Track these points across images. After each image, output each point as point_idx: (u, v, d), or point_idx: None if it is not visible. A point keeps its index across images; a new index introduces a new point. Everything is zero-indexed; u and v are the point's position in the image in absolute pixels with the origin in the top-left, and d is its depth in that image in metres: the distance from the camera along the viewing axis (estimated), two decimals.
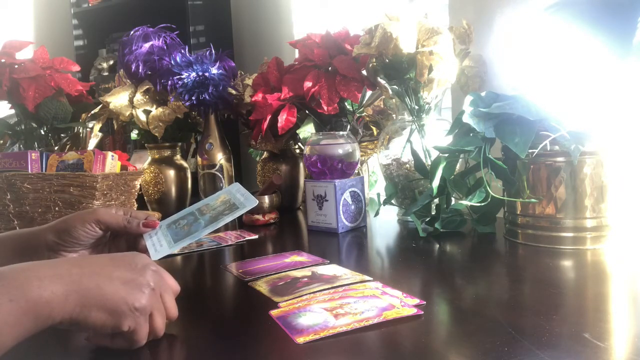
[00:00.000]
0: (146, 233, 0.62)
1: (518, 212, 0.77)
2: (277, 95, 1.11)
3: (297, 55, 1.24)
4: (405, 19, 0.90)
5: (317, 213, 0.95)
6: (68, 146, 1.34)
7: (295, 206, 1.30)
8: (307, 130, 1.13)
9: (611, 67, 0.71)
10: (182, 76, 1.19)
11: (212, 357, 0.43)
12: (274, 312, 0.50)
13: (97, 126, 1.33)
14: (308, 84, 1.07)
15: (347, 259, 0.77)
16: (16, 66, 1.21)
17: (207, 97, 1.18)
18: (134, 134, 1.42)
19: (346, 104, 1.17)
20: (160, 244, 0.61)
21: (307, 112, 1.15)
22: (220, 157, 1.24)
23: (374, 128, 1.30)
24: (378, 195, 0.99)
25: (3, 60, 1.21)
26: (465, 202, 0.81)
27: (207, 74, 1.19)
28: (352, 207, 0.95)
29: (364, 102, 1.20)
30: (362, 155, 1.24)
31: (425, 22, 0.90)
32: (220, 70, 1.22)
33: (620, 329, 0.43)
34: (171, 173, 1.32)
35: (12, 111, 1.30)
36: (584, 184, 0.70)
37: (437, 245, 0.79)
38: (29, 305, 0.36)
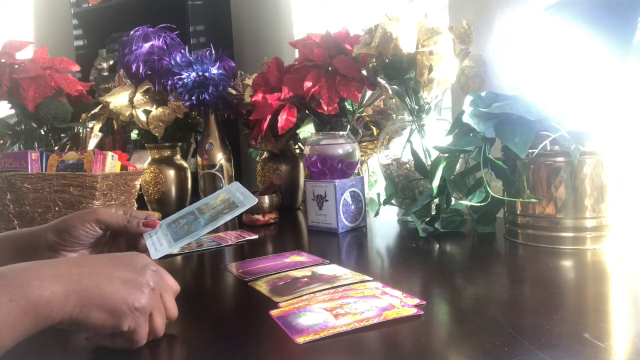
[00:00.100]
0: (146, 232, 0.62)
1: (518, 212, 0.77)
2: (277, 95, 1.11)
3: (297, 55, 1.24)
4: (405, 19, 0.90)
5: (317, 213, 0.95)
6: (68, 146, 1.34)
7: (295, 206, 1.30)
8: (307, 130, 1.13)
9: (611, 67, 0.71)
10: (182, 76, 1.19)
11: (212, 357, 0.43)
12: (274, 312, 0.50)
13: (97, 126, 1.33)
14: (308, 84, 1.07)
15: (347, 259, 0.77)
16: (16, 66, 1.21)
17: (207, 97, 1.18)
18: (134, 134, 1.42)
19: (346, 104, 1.17)
20: (160, 243, 0.61)
21: (307, 112, 1.15)
22: (220, 157, 1.24)
23: (374, 128, 1.30)
24: (378, 195, 0.99)
25: (3, 60, 1.21)
26: (465, 202, 0.81)
27: (207, 74, 1.19)
28: (352, 207, 0.95)
29: (364, 102, 1.20)
30: (362, 155, 1.24)
31: (425, 22, 0.90)
32: (220, 70, 1.22)
33: (620, 329, 0.43)
34: (171, 173, 1.32)
35: (12, 111, 1.30)
36: (584, 184, 0.70)
37: (437, 245, 0.79)
38: (29, 305, 0.36)
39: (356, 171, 1.03)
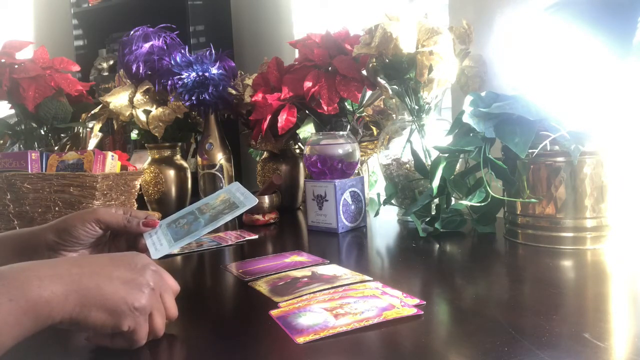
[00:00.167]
0: (146, 232, 0.62)
1: (518, 212, 0.77)
2: (277, 95, 1.11)
3: (297, 55, 1.24)
4: (405, 19, 0.90)
5: (317, 213, 0.95)
6: (68, 146, 1.34)
7: (295, 206, 1.30)
8: (307, 130, 1.13)
9: (611, 67, 0.71)
10: (182, 76, 1.19)
11: (212, 357, 0.43)
12: (274, 312, 0.50)
13: (97, 126, 1.33)
14: (308, 84, 1.07)
15: (347, 259, 0.77)
16: (16, 66, 1.21)
17: (207, 97, 1.18)
18: (134, 134, 1.42)
19: (346, 104, 1.17)
20: (160, 243, 0.61)
21: (307, 112, 1.15)
22: (220, 157, 1.24)
23: (374, 128, 1.30)
24: (378, 195, 0.99)
25: (3, 60, 1.21)
26: (465, 202, 0.81)
27: (207, 74, 1.19)
28: (352, 207, 0.95)
29: (364, 102, 1.20)
30: (362, 155, 1.24)
31: (425, 22, 0.90)
32: (220, 70, 1.22)
33: (620, 329, 0.43)
34: (171, 173, 1.32)
35: (12, 111, 1.30)
36: (584, 184, 0.70)
37: (437, 245, 0.79)
38: (29, 305, 0.36)
39: (356, 171, 1.03)
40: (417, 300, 0.51)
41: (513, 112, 0.72)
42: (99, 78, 2.05)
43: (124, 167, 1.09)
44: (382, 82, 1.01)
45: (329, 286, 0.58)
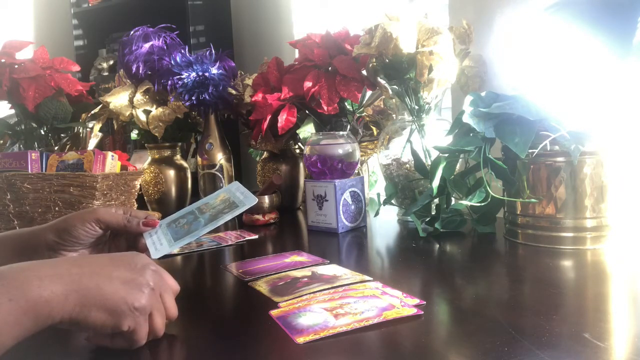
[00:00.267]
0: (146, 232, 0.62)
1: (518, 212, 0.77)
2: (277, 95, 1.11)
3: (297, 55, 1.24)
4: (405, 19, 0.90)
5: (317, 213, 0.95)
6: (68, 146, 1.34)
7: (295, 206, 1.30)
8: (307, 130, 1.13)
9: (611, 67, 0.71)
10: (182, 76, 1.19)
11: (212, 357, 0.43)
12: (274, 312, 0.50)
13: (97, 126, 1.33)
14: (308, 84, 1.07)
15: (347, 259, 0.76)
16: (16, 66, 1.21)
17: (207, 97, 1.18)
18: (134, 134, 1.42)
19: (346, 104, 1.17)
20: (160, 242, 0.61)
21: (307, 112, 1.15)
22: (220, 157, 1.24)
23: (374, 128, 1.30)
24: (378, 195, 0.99)
25: (3, 60, 1.21)
26: (465, 202, 0.81)
27: (207, 74, 1.19)
28: (352, 207, 0.95)
29: (364, 102, 1.20)
30: (362, 155, 1.24)
31: (425, 22, 0.90)
32: (220, 70, 1.22)
33: (620, 329, 0.43)
34: (171, 173, 1.32)
35: (12, 111, 1.30)
36: (584, 184, 0.70)
37: (437, 245, 0.79)
38: (29, 304, 0.36)
39: (356, 171, 1.03)
40: (417, 300, 0.51)
41: (513, 112, 0.72)
42: (99, 78, 2.05)
43: (124, 167, 1.09)
44: (382, 82, 1.01)
45: (329, 286, 0.58)
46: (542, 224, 0.74)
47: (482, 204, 0.79)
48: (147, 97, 1.28)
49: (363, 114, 1.26)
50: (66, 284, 0.39)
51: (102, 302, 0.40)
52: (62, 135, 1.36)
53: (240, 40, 1.99)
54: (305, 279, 0.61)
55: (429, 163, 0.93)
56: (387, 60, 0.96)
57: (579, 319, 0.46)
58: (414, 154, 0.91)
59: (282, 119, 1.08)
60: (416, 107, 0.98)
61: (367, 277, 0.60)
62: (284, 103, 1.10)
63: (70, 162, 1.02)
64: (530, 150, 0.72)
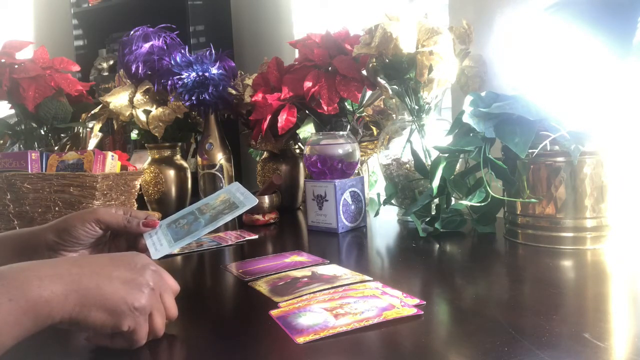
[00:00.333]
0: (146, 232, 0.62)
1: (518, 212, 0.77)
2: (277, 95, 1.11)
3: (297, 55, 1.24)
4: (405, 19, 0.90)
5: (317, 213, 0.95)
6: (68, 146, 1.34)
7: (295, 206, 1.30)
8: (307, 130, 1.13)
9: (611, 67, 0.71)
10: (182, 76, 1.19)
11: (212, 357, 0.43)
12: (274, 312, 0.50)
13: (97, 126, 1.33)
14: (308, 84, 1.07)
15: (347, 259, 0.76)
16: (16, 66, 1.21)
17: (207, 97, 1.18)
18: (134, 134, 1.42)
19: (346, 104, 1.17)
20: (160, 243, 0.61)
21: (307, 112, 1.15)
22: (220, 157, 1.24)
23: (374, 128, 1.30)
24: (378, 195, 0.99)
25: (3, 60, 1.21)
26: (465, 202, 0.81)
27: (207, 74, 1.19)
28: (352, 207, 0.95)
29: (364, 102, 1.20)
30: (362, 155, 1.24)
31: (425, 22, 0.90)
32: (220, 70, 1.22)
33: (620, 329, 0.43)
34: (171, 173, 1.32)
35: (12, 111, 1.30)
36: (584, 184, 0.70)
37: (437, 245, 0.79)
38: (29, 304, 0.36)
39: (356, 171, 1.03)
40: (417, 300, 0.51)
41: (513, 112, 0.72)
42: (99, 78, 2.05)
43: (124, 167, 1.09)
44: (382, 82, 1.01)
45: (329, 286, 0.58)
46: (542, 224, 0.74)
47: (482, 204, 0.79)
48: (147, 97, 1.28)
49: (363, 114, 1.26)
50: (66, 284, 0.39)
51: (102, 302, 0.40)
52: (62, 135, 1.36)
53: (240, 40, 1.99)
54: (305, 279, 0.61)
55: (429, 163, 0.93)
56: (387, 60, 0.96)
57: (579, 319, 0.46)
58: (414, 154, 0.91)
59: (282, 119, 1.08)
60: (416, 107, 0.98)
61: (367, 277, 0.60)
62: (284, 103, 1.10)
63: (70, 162, 1.02)
64: (530, 150, 0.72)
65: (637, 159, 0.71)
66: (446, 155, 0.81)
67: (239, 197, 0.66)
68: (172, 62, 1.23)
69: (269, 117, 1.10)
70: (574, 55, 0.75)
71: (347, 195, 0.94)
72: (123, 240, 0.63)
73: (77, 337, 0.47)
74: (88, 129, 1.37)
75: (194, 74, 1.18)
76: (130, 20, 1.80)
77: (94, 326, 0.40)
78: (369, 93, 1.18)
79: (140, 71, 1.28)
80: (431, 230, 0.86)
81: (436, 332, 0.45)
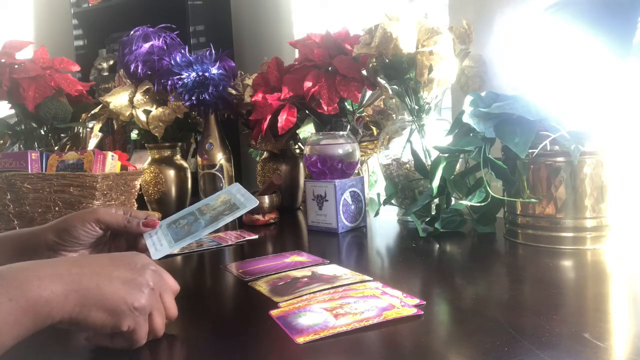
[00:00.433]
0: (146, 232, 0.62)
1: (518, 212, 0.77)
2: (277, 95, 1.11)
3: (297, 55, 1.24)
4: (405, 19, 0.90)
5: (317, 213, 0.95)
6: (68, 146, 1.34)
7: (295, 206, 1.30)
8: (307, 130, 1.13)
9: (611, 67, 0.71)
10: (182, 76, 1.19)
11: (212, 357, 0.43)
12: (274, 312, 0.50)
13: (97, 126, 1.33)
14: (308, 84, 1.07)
15: (347, 259, 0.76)
16: (16, 66, 1.21)
17: (207, 97, 1.18)
18: (134, 134, 1.42)
19: (346, 104, 1.17)
20: (160, 243, 0.61)
21: (307, 112, 1.15)
22: (220, 157, 1.24)
23: (374, 128, 1.30)
24: (378, 195, 0.99)
25: (3, 60, 1.21)
26: (465, 202, 0.81)
27: (207, 74, 1.19)
28: (352, 207, 0.95)
29: (364, 102, 1.20)
30: (362, 155, 1.24)
31: (425, 22, 0.90)
32: (220, 70, 1.22)
33: (620, 329, 0.43)
34: (171, 173, 1.32)
35: (12, 111, 1.30)
36: (584, 184, 0.70)
37: (437, 245, 0.79)
38: (29, 304, 0.36)
39: (356, 171, 1.03)
40: (417, 300, 0.51)
41: (513, 112, 0.72)
42: (99, 78, 2.05)
43: (124, 167, 1.09)
44: (382, 82, 1.01)
45: (329, 286, 0.58)
46: (542, 224, 0.74)
47: (482, 204, 0.79)
48: (147, 97, 1.28)
49: (363, 114, 1.26)
50: (66, 284, 0.39)
51: (102, 302, 0.40)
52: (62, 135, 1.36)
53: (240, 40, 1.99)
54: (305, 279, 0.61)
55: (429, 163, 0.93)
56: (387, 60, 0.96)
57: (579, 319, 0.46)
58: (414, 154, 0.91)
59: (282, 119, 1.08)
60: (416, 107, 0.98)
61: (367, 277, 0.60)
62: (284, 103, 1.10)
63: (70, 162, 1.02)
64: (530, 150, 0.72)
65: (637, 159, 0.71)
66: (446, 155, 0.81)
67: (240, 198, 0.67)
68: (172, 62, 1.23)
69: (269, 117, 1.10)
70: (574, 55, 0.75)
71: (347, 195, 0.94)
72: (123, 240, 0.63)
73: (77, 337, 0.47)
74: (88, 129, 1.37)
75: (194, 74, 1.18)
76: (130, 20, 1.80)
77: (93, 326, 0.40)
78: (369, 93, 1.18)
79: (140, 71, 1.28)
80: (431, 230, 0.86)
81: (436, 332, 0.45)
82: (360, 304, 0.51)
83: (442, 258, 0.73)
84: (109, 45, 2.17)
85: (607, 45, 0.72)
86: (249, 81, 1.31)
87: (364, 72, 1.07)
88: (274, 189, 1.11)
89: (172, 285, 0.48)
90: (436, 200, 0.87)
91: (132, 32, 1.31)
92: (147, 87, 1.28)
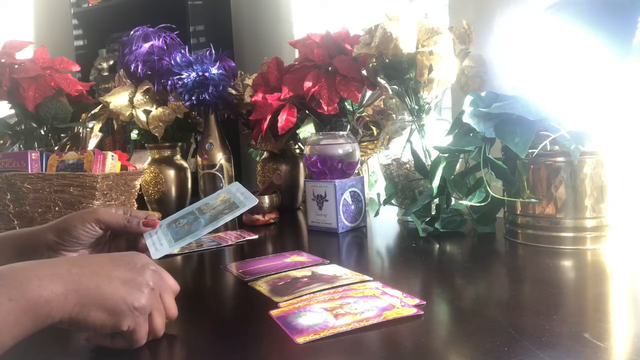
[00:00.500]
0: (146, 232, 0.62)
1: (518, 212, 0.77)
2: (277, 95, 1.11)
3: (297, 55, 1.24)
4: (405, 19, 0.90)
5: (317, 213, 0.95)
6: (68, 146, 1.34)
7: (295, 206, 1.30)
8: (307, 130, 1.13)
9: (611, 67, 0.71)
10: (182, 76, 1.19)
11: (212, 357, 0.43)
12: (274, 312, 0.50)
13: (97, 126, 1.33)
14: (308, 84, 1.07)
15: (347, 259, 0.76)
16: (16, 66, 1.21)
17: (207, 97, 1.18)
18: (134, 134, 1.42)
19: (346, 104, 1.17)
20: (160, 243, 0.61)
21: (307, 112, 1.15)
22: (220, 157, 1.24)
23: (374, 128, 1.30)
24: (378, 195, 0.99)
25: (3, 60, 1.21)
26: (465, 202, 0.81)
27: (207, 74, 1.19)
28: (352, 207, 0.95)
29: (364, 102, 1.20)
30: (362, 155, 1.24)
31: (425, 22, 0.90)
32: (220, 70, 1.22)
33: (620, 329, 0.43)
34: (171, 173, 1.32)
35: (12, 111, 1.30)
36: (584, 184, 0.70)
37: (437, 245, 0.79)
38: (29, 304, 0.36)
39: (356, 171, 1.03)
40: (417, 300, 0.51)
41: (513, 112, 0.72)
42: (99, 78, 2.05)
43: (124, 167, 1.09)
44: (382, 82, 1.01)
45: (329, 286, 0.58)
46: (542, 224, 0.74)
47: (482, 204, 0.79)
48: (147, 97, 1.28)
49: (363, 114, 1.26)
50: (66, 284, 0.39)
51: (102, 302, 0.40)
52: (62, 135, 1.36)
53: (240, 40, 1.99)
54: (305, 279, 0.61)
55: (429, 163, 0.93)
56: (387, 60, 0.96)
57: (579, 319, 0.46)
58: (414, 154, 0.91)
59: (282, 119, 1.08)
60: (416, 107, 0.98)
61: (367, 277, 0.60)
62: (284, 103, 1.10)
63: (70, 162, 1.02)
64: (530, 150, 0.72)
65: (637, 159, 0.71)
66: (446, 155, 0.81)
67: (239, 197, 0.66)
68: (172, 62, 1.23)
69: (269, 117, 1.10)
70: (574, 55, 0.75)
71: (347, 195, 0.94)
72: (123, 240, 0.63)
73: (77, 337, 0.47)
74: (88, 129, 1.37)
75: (194, 74, 1.18)
76: (130, 20, 1.80)
77: (93, 326, 0.40)
78: (369, 93, 1.18)
79: (140, 71, 1.28)
80: (431, 230, 0.86)
81: (436, 332, 0.45)
82: (360, 304, 0.51)
83: (442, 258, 0.73)
84: (109, 45, 2.17)
85: (607, 45, 0.72)
86: (249, 81, 1.31)
87: (364, 72, 1.07)
88: (274, 189, 1.11)
89: (172, 285, 0.48)
90: (436, 200, 0.87)
91: (132, 32, 1.31)
92: (147, 87, 1.28)
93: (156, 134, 1.26)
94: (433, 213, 0.89)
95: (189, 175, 1.37)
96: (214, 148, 1.24)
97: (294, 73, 1.11)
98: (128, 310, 0.41)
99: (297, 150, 1.32)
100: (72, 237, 0.56)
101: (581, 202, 0.71)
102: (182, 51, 1.29)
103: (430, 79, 0.91)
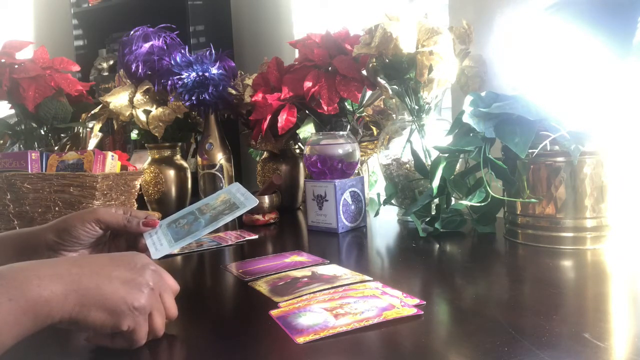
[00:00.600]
0: (146, 232, 0.62)
1: (518, 212, 0.77)
2: (277, 95, 1.11)
3: (297, 55, 1.24)
4: (405, 19, 0.90)
5: (317, 213, 0.95)
6: (68, 146, 1.34)
7: (295, 206, 1.30)
8: (307, 130, 1.13)
9: (611, 67, 0.71)
10: (182, 76, 1.19)
11: (212, 357, 0.43)
12: (274, 312, 0.50)
13: (97, 126, 1.33)
14: (308, 84, 1.07)
15: (347, 259, 0.76)
16: (16, 66, 1.21)
17: (207, 97, 1.18)
18: (134, 134, 1.42)
19: (346, 104, 1.17)
20: (160, 243, 0.61)
21: (307, 112, 1.15)
22: (220, 157, 1.24)
23: (374, 128, 1.30)
24: (378, 195, 0.99)
25: (3, 60, 1.21)
26: (465, 202, 0.81)
27: (207, 74, 1.19)
28: (352, 207, 0.95)
29: (364, 102, 1.20)
30: (362, 155, 1.24)
31: (425, 22, 0.90)
32: (220, 70, 1.22)
33: (620, 329, 0.43)
34: (171, 173, 1.32)
35: (12, 111, 1.30)
36: (584, 184, 0.70)
37: (437, 245, 0.79)
38: (29, 304, 0.36)
39: (356, 171, 1.03)
40: (417, 300, 0.51)
41: (513, 112, 0.72)
42: (99, 78, 2.05)
43: (124, 167, 1.09)
44: (382, 82, 1.01)
45: (329, 286, 0.58)
46: (542, 224, 0.74)
47: (482, 204, 0.79)
48: (147, 97, 1.28)
49: (363, 114, 1.26)
50: (66, 284, 0.39)
51: (102, 302, 0.40)
52: (62, 135, 1.36)
53: (240, 40, 1.99)
54: (305, 279, 0.61)
55: (429, 163, 0.93)
56: (387, 60, 0.96)
57: (579, 319, 0.46)
58: (414, 154, 0.91)
59: (282, 119, 1.08)
60: (416, 107, 0.98)
61: (367, 277, 0.60)
62: (284, 103, 1.10)
63: (70, 162, 1.02)
64: (530, 150, 0.72)
65: (637, 159, 0.71)
66: (446, 155, 0.81)
67: (240, 198, 0.66)
68: (172, 62, 1.23)
69: (269, 117, 1.10)
70: (574, 55, 0.75)
71: (347, 195, 0.94)
72: (123, 240, 0.63)
73: (77, 337, 0.47)
74: (88, 129, 1.37)
75: (194, 74, 1.18)
76: (130, 20, 1.80)
77: (93, 326, 0.40)
78: (369, 93, 1.18)
79: (140, 71, 1.28)
80: (431, 230, 0.86)
81: (436, 332, 0.45)
82: (360, 304, 0.51)
83: (442, 258, 0.73)
84: (109, 45, 2.17)
85: (607, 45, 0.72)
86: (249, 81, 1.31)
87: (364, 72, 1.07)
88: (274, 189, 1.11)
89: (172, 285, 0.48)
90: (436, 200, 0.87)
91: (132, 32, 1.31)
92: (147, 87, 1.28)
93: (156, 134, 1.26)
94: (433, 213, 0.89)
95: (189, 175, 1.37)
96: (214, 148, 1.24)
97: (294, 73, 1.11)
98: (128, 310, 0.41)
99: (297, 150, 1.32)
100: (72, 237, 0.56)
101: (581, 202, 0.71)
102: (182, 51, 1.29)
103: (430, 79, 0.91)
